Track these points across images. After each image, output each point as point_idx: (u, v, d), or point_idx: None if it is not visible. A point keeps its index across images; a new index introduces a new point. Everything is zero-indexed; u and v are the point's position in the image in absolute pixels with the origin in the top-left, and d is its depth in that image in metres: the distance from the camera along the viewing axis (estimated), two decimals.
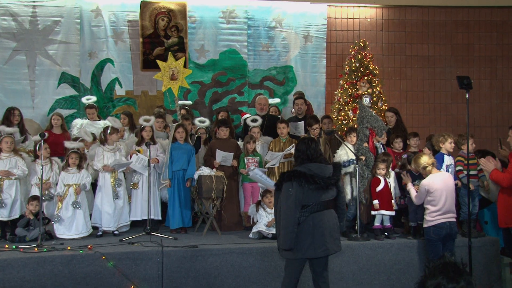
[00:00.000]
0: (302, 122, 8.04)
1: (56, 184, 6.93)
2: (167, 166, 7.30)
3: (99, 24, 9.97)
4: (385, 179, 6.72)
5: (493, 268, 6.53)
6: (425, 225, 5.95)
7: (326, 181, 4.51)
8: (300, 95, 9.10)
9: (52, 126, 8.20)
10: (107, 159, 7.08)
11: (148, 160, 6.97)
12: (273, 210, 6.68)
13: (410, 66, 10.93)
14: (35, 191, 6.90)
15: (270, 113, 8.88)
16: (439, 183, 5.87)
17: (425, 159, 6.01)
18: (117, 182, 7.07)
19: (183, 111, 8.38)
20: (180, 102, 8.55)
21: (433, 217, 5.83)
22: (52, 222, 6.75)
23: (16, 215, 6.83)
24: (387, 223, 6.69)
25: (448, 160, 6.69)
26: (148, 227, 6.73)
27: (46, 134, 6.84)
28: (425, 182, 5.94)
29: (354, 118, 8.60)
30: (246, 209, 7.45)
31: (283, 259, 4.92)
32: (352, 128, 7.32)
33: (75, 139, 7.78)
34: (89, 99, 9.04)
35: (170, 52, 8.58)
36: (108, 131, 7.19)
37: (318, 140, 7.49)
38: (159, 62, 8.19)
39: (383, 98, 9.21)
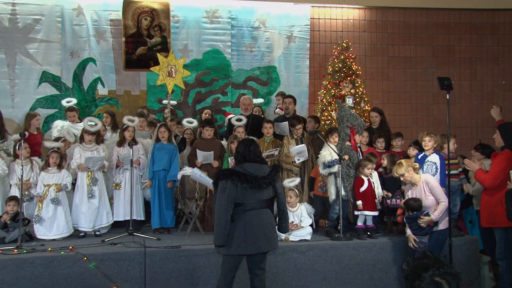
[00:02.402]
0: (286, 123, 8.06)
1: (36, 184, 6.83)
2: (147, 166, 7.25)
3: (81, 23, 9.85)
4: (368, 179, 6.75)
5: (473, 266, 6.59)
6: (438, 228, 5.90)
7: (259, 181, 4.65)
8: (291, 95, 9.08)
9: (30, 126, 8.04)
10: (84, 158, 7.00)
11: (131, 160, 6.92)
12: (295, 209, 6.72)
13: (393, 67, 11.01)
14: (15, 192, 6.79)
15: (254, 113, 8.86)
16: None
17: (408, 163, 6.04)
18: (93, 181, 6.99)
19: (166, 111, 8.33)
20: (165, 101, 8.50)
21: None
22: (32, 223, 6.64)
23: None
24: (370, 223, 6.72)
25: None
26: (131, 228, 6.67)
27: (27, 133, 6.74)
28: (431, 179, 5.97)
29: None
30: None
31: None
32: (333, 128, 7.34)
33: (57, 139, 7.67)
34: (69, 102, 8.93)
35: (171, 50, 8.49)
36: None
37: (302, 140, 7.52)
38: (159, 56, 8.18)
39: (366, 99, 9.24)
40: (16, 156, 6.90)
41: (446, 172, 6.27)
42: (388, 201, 6.87)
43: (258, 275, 4.94)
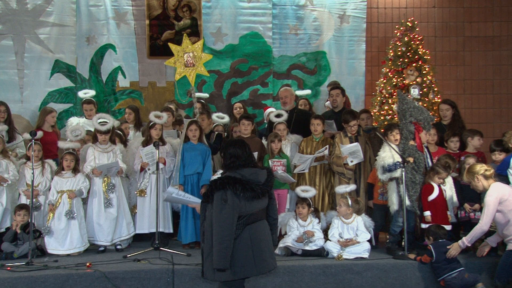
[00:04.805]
0: (332, 121, 8.07)
1: (49, 190, 7.02)
2: (177, 170, 7.33)
3: (98, 3, 10.06)
4: (439, 186, 6.63)
5: None
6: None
7: (262, 188, 4.63)
8: (337, 85, 9.05)
9: (44, 123, 8.26)
10: (99, 161, 7.13)
11: (157, 162, 7.02)
12: (306, 222, 6.73)
13: (470, 50, 10.81)
14: (23, 199, 7.01)
15: (299, 107, 8.85)
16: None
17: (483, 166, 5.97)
18: (110, 187, 7.11)
19: (198, 105, 8.40)
20: (196, 94, 8.55)
21: None
22: (43, 236, 6.81)
23: (6, 227, 6.90)
24: None
25: None
26: (157, 242, 6.76)
27: (42, 132, 6.92)
28: (493, 191, 5.86)
29: None
30: None
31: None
32: (393, 124, 7.25)
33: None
34: (86, 93, 9.12)
35: (185, 34, 8.58)
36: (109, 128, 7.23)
37: (357, 139, 7.46)
38: (171, 46, 8.21)
39: (435, 89, 9.10)
40: (28, 158, 7.08)
41: None
42: (462, 212, 6.75)
43: None
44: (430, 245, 6.20)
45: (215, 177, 7.12)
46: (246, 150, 4.81)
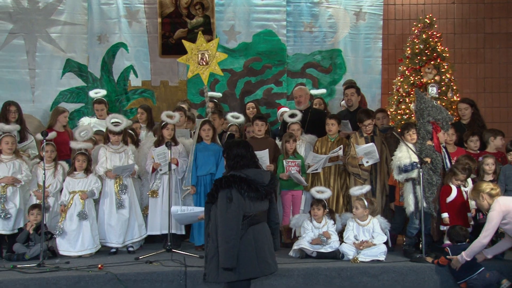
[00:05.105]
0: (347, 121, 8.07)
1: (60, 191, 7.11)
2: (190, 171, 7.38)
3: (109, 1, 10.14)
4: (458, 188, 6.62)
5: None
6: None
7: (266, 189, 4.69)
8: (352, 84, 9.06)
9: (56, 123, 8.31)
10: (111, 162, 7.20)
11: (169, 162, 7.07)
12: (321, 224, 6.75)
13: (490, 47, 10.74)
14: (34, 200, 7.11)
15: (314, 106, 8.86)
16: None
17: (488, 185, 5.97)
18: (122, 188, 7.16)
19: (211, 105, 8.44)
20: (209, 93, 8.59)
21: None
22: (55, 236, 6.89)
23: (19, 227, 6.99)
24: None
25: None
26: (169, 243, 6.82)
27: (55, 133, 6.99)
28: (497, 205, 5.84)
29: None
30: (285, 222, 7.44)
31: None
32: (410, 123, 7.23)
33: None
34: (97, 93, 9.20)
35: (200, 32, 8.61)
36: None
37: (373, 139, 7.46)
38: (185, 43, 8.25)
39: (454, 87, 9.06)
40: (41, 159, 7.13)
41: None
42: (480, 214, 6.74)
43: None
44: (448, 248, 6.19)
45: None
46: (250, 150, 4.89)
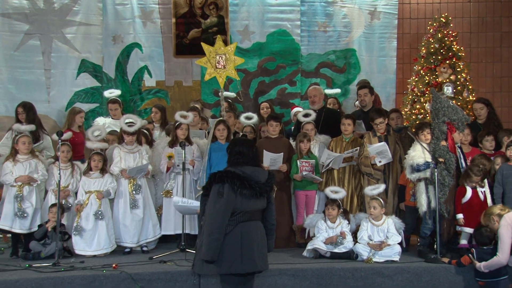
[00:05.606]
0: (361, 121, 8.07)
1: (76, 192, 7.18)
2: (204, 170, 7.40)
3: (124, 2, 10.22)
4: (474, 189, 6.58)
5: None
6: None
7: (261, 187, 4.74)
8: (365, 84, 9.04)
9: (72, 123, 8.34)
10: (125, 162, 7.24)
11: (183, 162, 7.10)
12: (335, 224, 6.75)
13: (507, 46, 10.70)
14: (51, 199, 7.16)
15: (328, 106, 8.86)
16: None
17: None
18: (136, 188, 7.20)
19: (225, 104, 8.47)
20: (225, 93, 8.61)
21: None
22: (71, 235, 6.95)
23: (36, 227, 7.02)
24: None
25: None
26: (183, 243, 6.86)
27: (71, 133, 7.02)
28: (503, 222, 5.81)
29: None
30: (299, 222, 7.46)
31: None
32: (425, 123, 7.18)
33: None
34: (112, 93, 9.27)
35: (218, 36, 8.65)
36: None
37: (386, 138, 7.44)
38: (204, 45, 8.23)
39: (470, 87, 9.00)
40: (57, 159, 7.20)
41: None
42: None
43: None
44: (473, 249, 6.11)
45: None
46: (252, 150, 4.95)
